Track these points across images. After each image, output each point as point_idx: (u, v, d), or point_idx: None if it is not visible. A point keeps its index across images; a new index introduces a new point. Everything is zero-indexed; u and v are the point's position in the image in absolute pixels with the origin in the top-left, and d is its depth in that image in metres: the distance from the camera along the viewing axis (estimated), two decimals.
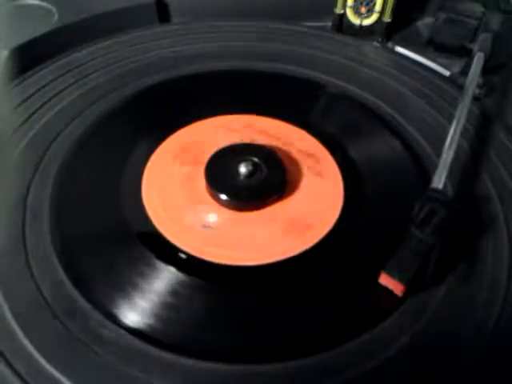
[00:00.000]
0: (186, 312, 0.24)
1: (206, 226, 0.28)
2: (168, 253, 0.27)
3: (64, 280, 0.25)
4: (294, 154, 0.33)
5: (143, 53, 0.41)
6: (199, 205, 0.29)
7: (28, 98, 0.36)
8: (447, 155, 0.28)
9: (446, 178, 0.27)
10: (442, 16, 0.43)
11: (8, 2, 0.43)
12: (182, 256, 0.27)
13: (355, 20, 0.46)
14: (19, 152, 0.32)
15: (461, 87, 0.35)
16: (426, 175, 0.30)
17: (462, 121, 0.31)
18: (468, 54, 0.41)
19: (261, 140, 0.33)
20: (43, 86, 0.37)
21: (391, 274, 0.24)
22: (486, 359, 0.23)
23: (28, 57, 0.38)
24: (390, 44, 0.45)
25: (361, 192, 0.30)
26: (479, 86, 0.38)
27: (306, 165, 0.32)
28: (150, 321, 0.24)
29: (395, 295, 0.24)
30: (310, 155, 0.33)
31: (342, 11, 0.46)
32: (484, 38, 0.39)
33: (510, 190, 0.31)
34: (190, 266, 0.26)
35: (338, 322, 0.24)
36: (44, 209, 0.29)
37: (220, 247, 0.27)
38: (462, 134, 0.30)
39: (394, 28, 0.46)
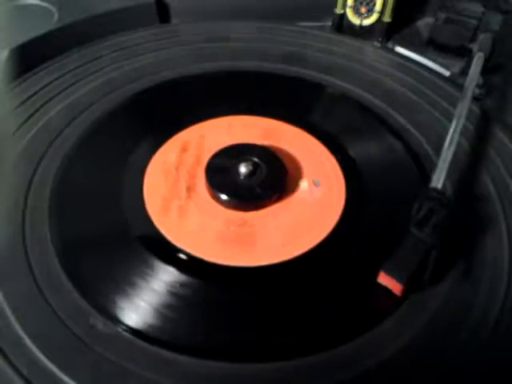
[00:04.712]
0: (186, 312, 0.24)
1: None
2: (168, 253, 0.27)
3: (64, 280, 0.25)
4: (295, 153, 0.33)
5: (144, 53, 0.41)
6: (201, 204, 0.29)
7: (28, 98, 0.36)
8: (446, 155, 0.28)
9: (446, 177, 0.27)
10: (442, 16, 0.43)
11: (8, 2, 0.43)
12: (183, 257, 0.27)
13: (355, 20, 0.46)
14: (19, 152, 0.32)
15: (461, 87, 0.35)
16: (426, 175, 0.30)
17: (462, 120, 0.31)
18: (468, 54, 0.41)
19: (261, 140, 0.33)
20: (43, 87, 0.37)
21: (390, 274, 0.24)
22: (486, 359, 0.23)
23: (28, 57, 0.38)
24: (389, 44, 0.45)
25: (361, 192, 0.30)
26: (479, 86, 0.38)
27: (306, 165, 0.32)
28: (150, 320, 0.24)
29: (394, 295, 0.24)
30: (311, 155, 0.33)
31: (342, 11, 0.46)
32: (484, 38, 0.39)
33: (510, 190, 0.30)
34: (191, 266, 0.26)
35: (337, 321, 0.24)
36: (44, 209, 0.29)
37: (220, 248, 0.27)
38: (462, 134, 0.30)
39: (394, 28, 0.46)
